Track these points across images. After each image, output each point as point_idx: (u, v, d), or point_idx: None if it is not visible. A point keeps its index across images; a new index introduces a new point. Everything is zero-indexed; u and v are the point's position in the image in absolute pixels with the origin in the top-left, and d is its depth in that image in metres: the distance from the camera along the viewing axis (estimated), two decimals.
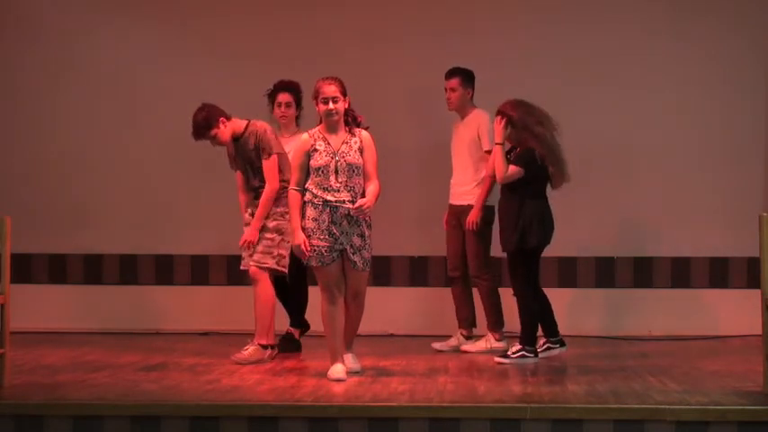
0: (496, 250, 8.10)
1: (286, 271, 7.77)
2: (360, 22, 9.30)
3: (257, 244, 7.64)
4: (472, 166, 8.23)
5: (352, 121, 7.15)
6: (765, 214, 6.39)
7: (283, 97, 8.32)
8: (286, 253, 7.67)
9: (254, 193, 7.80)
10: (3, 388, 6.56)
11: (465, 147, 8.27)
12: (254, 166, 7.76)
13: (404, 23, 9.28)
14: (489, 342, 8.19)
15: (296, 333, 8.25)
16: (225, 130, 7.74)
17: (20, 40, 9.51)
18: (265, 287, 7.66)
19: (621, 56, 9.22)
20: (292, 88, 8.33)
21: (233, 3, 9.42)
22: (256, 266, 7.65)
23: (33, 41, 9.51)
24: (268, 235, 7.65)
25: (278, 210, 7.68)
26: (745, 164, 9.17)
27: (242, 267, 7.83)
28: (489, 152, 8.06)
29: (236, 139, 7.80)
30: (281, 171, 7.67)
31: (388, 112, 8.75)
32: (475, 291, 8.34)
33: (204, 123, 7.71)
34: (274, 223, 7.67)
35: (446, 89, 8.33)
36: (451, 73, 8.34)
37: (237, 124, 7.80)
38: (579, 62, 9.22)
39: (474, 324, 8.34)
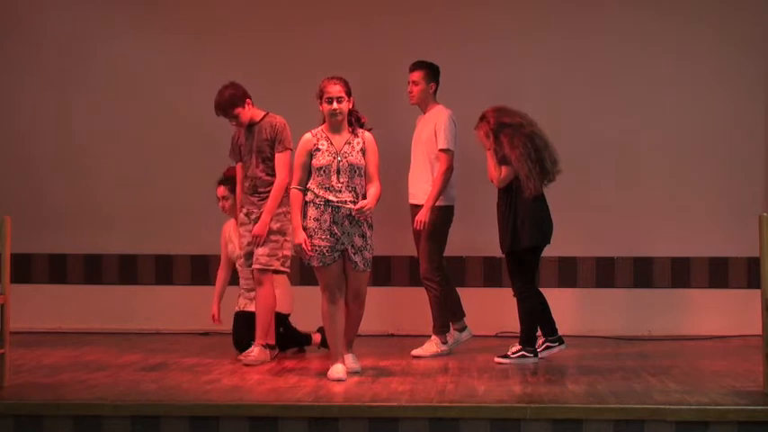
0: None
1: (289, 271, 7.82)
2: (361, 21, 9.29)
3: (263, 247, 7.60)
4: (429, 164, 8.02)
5: (355, 121, 7.15)
6: (765, 214, 6.39)
7: (221, 191, 8.30)
8: (290, 254, 7.67)
9: (251, 182, 7.72)
10: (3, 388, 6.57)
11: (422, 144, 8.08)
12: (262, 155, 7.68)
13: (405, 23, 9.28)
14: (438, 346, 8.05)
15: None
16: (247, 111, 7.74)
17: (22, 42, 9.51)
18: (268, 289, 7.66)
19: (621, 56, 9.21)
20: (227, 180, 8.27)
21: (232, 5, 9.43)
22: (263, 269, 7.63)
23: (35, 43, 9.52)
24: (273, 237, 7.60)
25: (280, 210, 7.64)
26: (745, 164, 9.17)
27: (238, 265, 7.81)
28: (443, 151, 7.95)
29: (250, 126, 7.77)
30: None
31: (392, 110, 8.76)
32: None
33: (231, 100, 7.69)
34: (278, 225, 7.63)
35: (408, 82, 8.17)
36: (415, 66, 8.15)
37: (256, 111, 7.78)
38: (579, 62, 9.21)
39: (463, 314, 8.22)
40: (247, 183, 7.78)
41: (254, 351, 7.62)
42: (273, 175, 7.67)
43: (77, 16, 9.51)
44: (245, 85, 9.06)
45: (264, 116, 7.76)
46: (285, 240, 7.66)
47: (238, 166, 7.89)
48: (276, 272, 7.69)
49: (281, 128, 7.67)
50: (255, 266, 7.65)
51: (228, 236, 8.36)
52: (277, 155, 7.63)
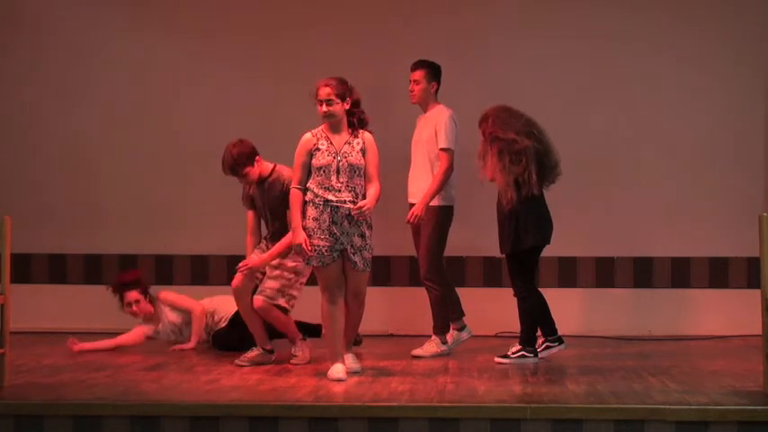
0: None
1: (292, 310, 7.70)
2: (362, 21, 9.29)
3: (273, 280, 7.57)
4: (429, 163, 8.00)
5: (357, 122, 7.14)
6: (765, 214, 6.39)
7: (132, 296, 8.38)
8: (297, 294, 7.66)
9: (271, 236, 7.71)
10: (3, 388, 6.57)
11: (423, 143, 8.06)
12: (275, 212, 7.66)
13: (406, 23, 9.28)
14: (438, 346, 8.03)
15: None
16: (257, 168, 7.65)
17: (24, 41, 9.51)
18: (277, 314, 7.61)
19: (621, 57, 9.21)
20: (137, 283, 8.43)
21: (233, 5, 9.43)
22: (267, 302, 7.55)
23: (37, 42, 9.52)
24: (286, 274, 7.56)
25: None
26: (745, 164, 9.17)
27: (233, 285, 7.73)
28: (444, 150, 7.94)
29: (261, 181, 7.71)
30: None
31: (392, 110, 8.76)
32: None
33: (240, 159, 7.56)
34: (293, 264, 7.58)
35: (410, 81, 8.15)
36: (417, 65, 8.14)
37: (264, 166, 7.70)
38: (578, 63, 9.21)
39: (462, 314, 8.20)
40: (269, 234, 7.74)
41: (298, 355, 7.67)
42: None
43: (79, 16, 9.51)
44: (245, 86, 9.12)
45: (272, 171, 7.70)
46: (297, 281, 7.63)
47: (250, 214, 7.83)
48: (278, 307, 7.60)
49: (290, 185, 7.53)
50: (259, 297, 7.55)
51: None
52: (288, 212, 7.53)
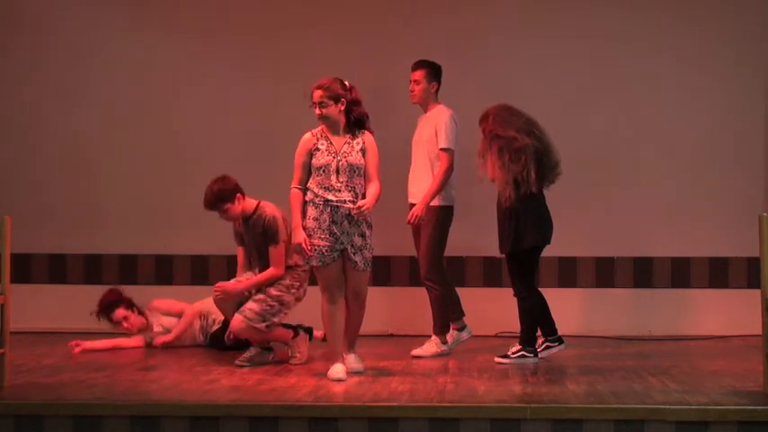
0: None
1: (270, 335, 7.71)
2: (362, 20, 9.29)
3: (256, 303, 7.56)
4: (429, 163, 8.00)
5: (354, 122, 7.13)
6: (765, 214, 6.39)
7: (119, 314, 8.44)
8: (279, 321, 7.64)
9: (260, 272, 7.71)
10: (3, 388, 6.57)
11: (423, 143, 8.06)
12: (260, 251, 7.69)
13: (406, 23, 9.28)
14: (438, 346, 8.03)
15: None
16: (238, 206, 7.66)
17: (24, 41, 9.51)
18: (259, 335, 7.59)
19: (621, 57, 9.22)
20: (119, 301, 8.50)
21: (233, 5, 9.43)
22: (245, 323, 7.52)
23: (37, 42, 9.52)
24: (270, 301, 7.56)
25: (285, 282, 7.62)
26: (745, 164, 9.17)
27: (212, 299, 7.74)
28: (444, 150, 7.94)
29: (246, 218, 7.72)
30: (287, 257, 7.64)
31: (393, 109, 8.75)
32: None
33: (221, 195, 7.60)
34: (277, 293, 7.60)
35: (410, 81, 8.15)
36: (417, 65, 8.13)
37: (248, 203, 7.71)
38: (579, 63, 9.21)
39: (462, 313, 8.21)
40: (258, 271, 7.76)
41: (296, 355, 7.68)
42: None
43: (79, 16, 9.52)
44: (245, 86, 9.11)
45: (256, 208, 7.71)
46: (280, 310, 7.61)
47: (239, 250, 7.85)
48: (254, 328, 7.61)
49: (271, 222, 7.60)
50: (239, 317, 7.54)
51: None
52: (270, 249, 7.60)
